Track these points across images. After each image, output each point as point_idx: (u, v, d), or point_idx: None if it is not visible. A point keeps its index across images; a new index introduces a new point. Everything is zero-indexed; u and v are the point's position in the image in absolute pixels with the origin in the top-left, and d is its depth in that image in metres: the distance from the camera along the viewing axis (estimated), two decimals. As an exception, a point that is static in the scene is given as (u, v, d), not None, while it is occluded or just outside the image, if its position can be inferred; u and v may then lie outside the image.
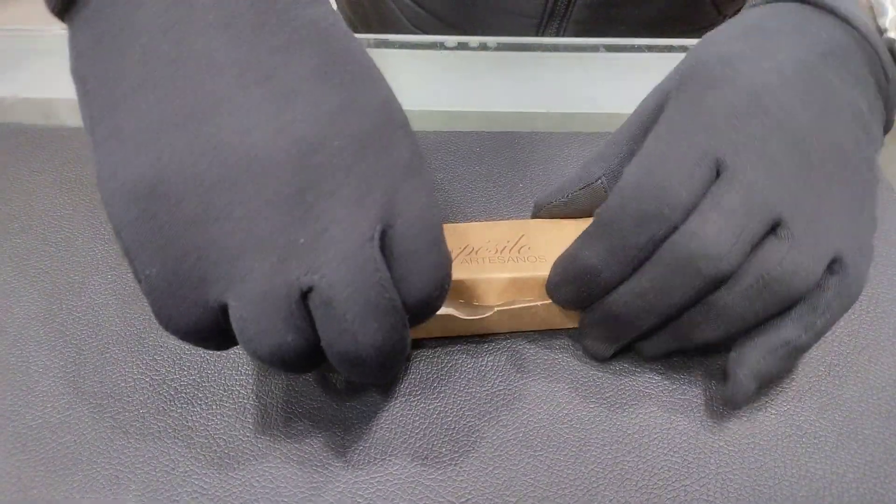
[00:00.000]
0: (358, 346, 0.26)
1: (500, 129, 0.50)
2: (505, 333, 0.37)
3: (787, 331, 0.31)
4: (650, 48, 0.56)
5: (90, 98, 0.28)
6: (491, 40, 0.55)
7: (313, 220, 0.26)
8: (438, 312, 0.35)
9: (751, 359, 0.31)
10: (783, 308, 0.31)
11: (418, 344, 0.36)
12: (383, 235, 0.26)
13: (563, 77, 0.54)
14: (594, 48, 0.55)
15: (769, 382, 0.35)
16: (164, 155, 0.26)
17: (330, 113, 0.27)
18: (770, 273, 0.29)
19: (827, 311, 0.31)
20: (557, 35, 0.62)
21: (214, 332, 0.27)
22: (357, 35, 0.55)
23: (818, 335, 0.31)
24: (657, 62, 0.56)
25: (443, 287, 0.28)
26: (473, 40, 0.55)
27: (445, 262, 0.28)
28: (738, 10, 0.67)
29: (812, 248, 0.30)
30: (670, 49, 0.56)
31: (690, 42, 0.57)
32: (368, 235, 0.26)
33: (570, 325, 0.37)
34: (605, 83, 0.53)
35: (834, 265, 0.31)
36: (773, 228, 0.30)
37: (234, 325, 0.26)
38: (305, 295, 0.26)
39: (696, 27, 0.65)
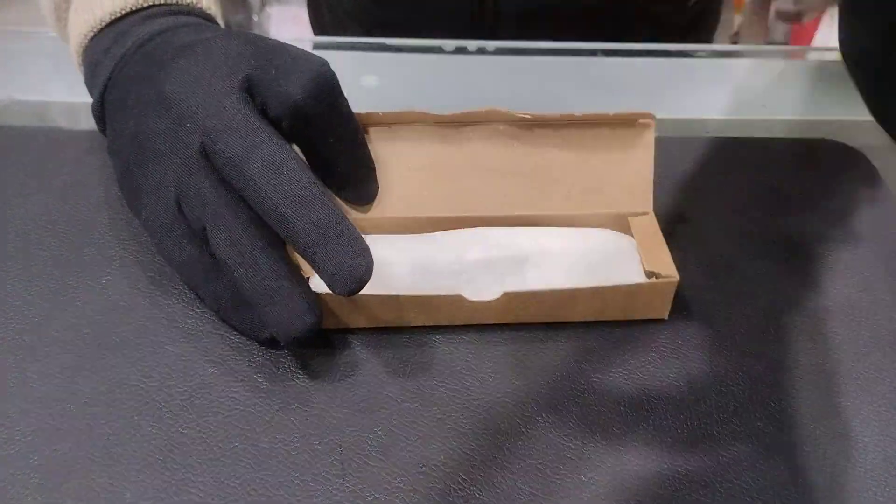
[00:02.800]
0: (242, 157, 0.33)
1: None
2: (506, 332, 0.37)
3: None
4: (648, 53, 0.56)
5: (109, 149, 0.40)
6: (489, 44, 0.55)
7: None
8: (445, 294, 0.35)
9: None
10: None
11: (418, 333, 0.36)
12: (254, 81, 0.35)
13: (560, 82, 0.54)
14: (592, 53, 0.55)
15: None
16: (112, 129, 0.39)
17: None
18: None
19: None
20: (489, 38, 0.62)
21: (183, 224, 0.35)
22: (352, 38, 0.55)
23: None
24: (655, 67, 0.56)
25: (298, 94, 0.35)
26: (471, 44, 0.55)
27: (306, 75, 0.35)
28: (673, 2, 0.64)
29: None
30: (668, 54, 0.56)
31: (689, 47, 0.57)
32: (231, 87, 0.34)
33: (578, 317, 0.37)
34: (602, 88, 0.53)
35: None
36: None
37: (180, 198, 0.35)
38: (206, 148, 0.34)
39: (625, 23, 0.64)
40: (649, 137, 0.39)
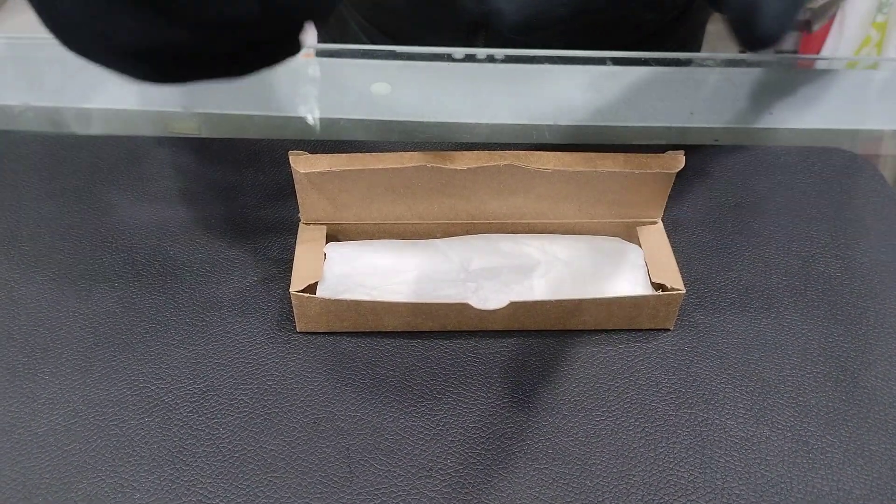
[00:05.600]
0: None
1: (506, 140, 0.50)
2: (512, 338, 0.37)
3: None
4: (657, 61, 0.56)
5: None
6: (498, 52, 0.55)
7: None
8: (452, 302, 0.36)
9: None
10: None
11: (425, 338, 0.36)
12: None
13: (569, 89, 0.54)
14: (601, 61, 0.56)
15: None
16: None
17: None
18: None
19: None
20: (486, 45, 0.61)
21: None
22: (363, 46, 0.55)
23: None
24: (663, 75, 0.56)
25: None
26: (480, 52, 0.55)
27: None
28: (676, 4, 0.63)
29: None
30: (677, 63, 0.56)
31: (699, 56, 0.57)
32: None
33: (584, 326, 0.37)
34: (611, 95, 0.53)
35: None
36: None
37: None
38: None
39: (631, 27, 0.63)
40: (677, 164, 0.38)
